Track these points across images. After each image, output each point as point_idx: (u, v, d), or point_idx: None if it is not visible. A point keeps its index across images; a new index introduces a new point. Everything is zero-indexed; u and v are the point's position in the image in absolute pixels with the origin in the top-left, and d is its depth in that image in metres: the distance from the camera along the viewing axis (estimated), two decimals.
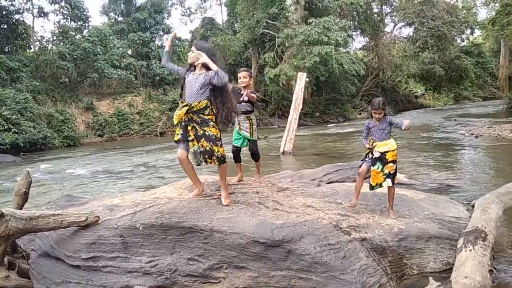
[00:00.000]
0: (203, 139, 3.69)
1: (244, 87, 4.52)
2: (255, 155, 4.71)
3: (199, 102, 3.69)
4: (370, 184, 4.17)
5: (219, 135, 3.76)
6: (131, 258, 3.22)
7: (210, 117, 3.74)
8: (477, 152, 10.66)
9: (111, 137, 22.95)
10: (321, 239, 3.33)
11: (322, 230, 3.46)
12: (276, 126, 25.22)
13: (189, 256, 3.21)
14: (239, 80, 4.55)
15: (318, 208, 4.12)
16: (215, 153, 3.69)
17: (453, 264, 3.43)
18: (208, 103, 3.74)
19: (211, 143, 3.68)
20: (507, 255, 4.01)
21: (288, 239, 3.23)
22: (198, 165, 3.81)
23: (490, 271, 3.18)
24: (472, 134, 13.76)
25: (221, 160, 3.75)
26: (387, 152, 4.07)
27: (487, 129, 14.27)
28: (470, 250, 3.39)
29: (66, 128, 20.86)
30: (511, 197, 4.62)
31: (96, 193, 8.23)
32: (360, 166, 4.20)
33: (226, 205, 3.68)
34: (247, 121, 4.54)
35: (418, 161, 9.52)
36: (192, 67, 3.83)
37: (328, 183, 6.22)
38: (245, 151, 4.88)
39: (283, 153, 12.38)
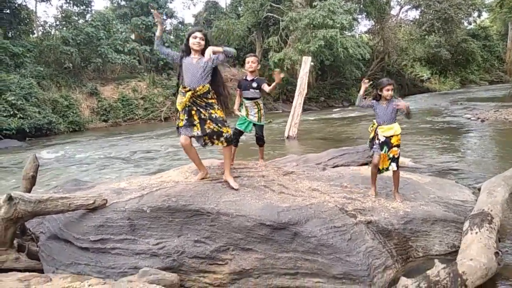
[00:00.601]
0: (209, 121, 3.70)
1: (251, 72, 4.49)
2: (260, 140, 4.70)
3: (203, 86, 3.68)
4: (378, 168, 4.17)
5: (224, 117, 3.78)
6: (139, 240, 3.26)
7: (213, 100, 3.76)
8: (483, 136, 10.60)
9: (115, 122, 22.97)
10: (327, 222, 3.34)
11: (328, 213, 3.48)
12: (281, 111, 25.14)
13: (196, 238, 3.24)
14: (247, 65, 4.51)
15: (323, 191, 4.14)
16: (224, 133, 3.72)
17: (459, 247, 3.45)
18: (210, 87, 3.74)
19: (219, 124, 3.70)
20: None
21: (294, 221, 3.25)
22: (204, 146, 3.83)
23: (496, 253, 3.20)
24: (478, 118, 13.66)
25: (229, 140, 3.79)
26: (392, 136, 4.06)
27: (494, 113, 14.16)
28: (476, 233, 3.40)
29: (71, 113, 20.89)
30: None
31: (102, 177, 8.29)
32: (372, 156, 4.17)
33: (236, 189, 3.68)
34: (255, 107, 4.53)
35: (424, 145, 9.48)
36: (188, 52, 3.78)
37: (334, 167, 6.23)
38: (249, 138, 4.86)
39: (287, 137, 12.38)
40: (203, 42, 3.72)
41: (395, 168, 4.13)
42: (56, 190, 5.33)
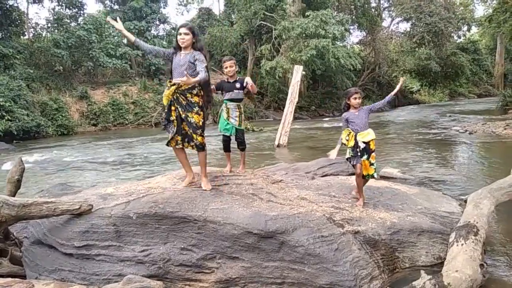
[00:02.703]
0: (184, 122, 3.75)
1: (231, 76, 4.46)
2: (241, 144, 4.62)
3: None
4: (362, 175, 4.19)
5: (200, 123, 3.76)
6: (124, 247, 3.22)
7: (196, 98, 3.75)
8: (471, 148, 10.73)
9: (105, 126, 22.81)
10: (314, 231, 3.34)
11: (316, 222, 3.47)
12: (272, 119, 25.20)
13: (182, 246, 3.21)
14: (225, 70, 4.48)
15: (312, 200, 4.14)
16: (193, 140, 3.73)
17: (445, 258, 3.47)
18: (196, 82, 3.70)
19: (191, 130, 3.72)
20: (498, 249, 4.06)
21: (282, 230, 3.24)
22: (175, 145, 3.85)
23: (481, 265, 3.22)
24: (466, 131, 13.83)
25: (199, 147, 3.81)
26: (370, 141, 4.11)
27: (482, 126, 14.35)
28: (462, 245, 3.42)
29: (60, 116, 20.69)
30: (503, 193, 4.66)
31: (89, 182, 8.20)
32: (354, 165, 4.18)
33: (207, 190, 3.75)
34: (237, 110, 4.46)
35: (412, 156, 9.57)
36: (178, 49, 3.82)
37: (323, 176, 6.24)
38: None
39: (278, 145, 12.39)
40: (188, 37, 3.75)
41: (376, 176, 4.20)
42: (42, 194, 5.26)
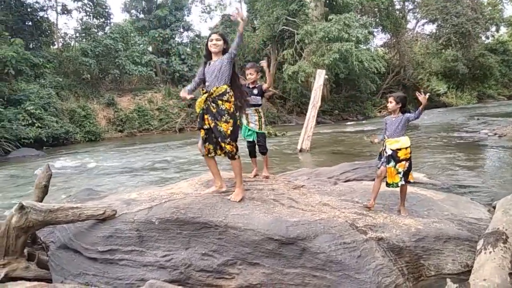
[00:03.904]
0: (214, 132, 3.74)
1: (252, 82, 4.55)
2: (263, 148, 4.67)
3: (217, 88, 3.71)
4: (387, 182, 4.13)
5: (228, 131, 3.69)
6: (147, 252, 3.26)
7: (227, 105, 3.71)
8: (500, 152, 10.37)
9: (131, 132, 23.27)
10: (336, 238, 3.29)
11: (338, 229, 3.43)
12: (294, 124, 25.11)
13: (203, 251, 3.23)
14: (248, 77, 4.57)
15: (334, 206, 4.09)
16: (223, 148, 3.73)
17: (472, 266, 3.36)
18: (228, 88, 3.73)
19: (220, 138, 3.71)
20: None
21: (303, 236, 3.21)
22: (207, 154, 3.85)
23: (510, 274, 3.10)
24: (495, 134, 13.39)
25: (229, 156, 3.77)
26: (399, 149, 4.02)
27: (511, 129, 13.87)
28: (490, 252, 3.30)
29: (88, 123, 21.26)
30: None
31: (115, 187, 8.37)
32: (379, 168, 4.16)
33: (233, 201, 3.67)
34: (256, 114, 4.53)
35: (439, 160, 9.32)
36: (210, 56, 3.84)
37: (346, 181, 6.17)
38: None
39: (300, 150, 12.32)
40: (220, 43, 3.78)
41: (402, 183, 4.09)
42: (70, 199, 5.41)
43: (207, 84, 3.76)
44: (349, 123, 25.26)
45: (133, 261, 3.25)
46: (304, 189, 4.61)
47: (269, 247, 3.18)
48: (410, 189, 5.10)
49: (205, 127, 3.77)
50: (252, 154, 4.69)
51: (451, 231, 3.80)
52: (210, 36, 3.83)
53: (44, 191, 3.97)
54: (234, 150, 3.76)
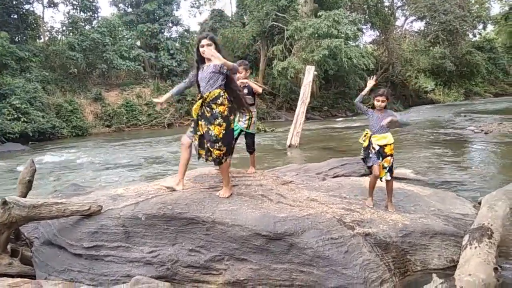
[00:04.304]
0: (206, 137, 3.68)
1: (243, 79, 4.54)
2: (249, 148, 4.69)
3: (210, 93, 3.65)
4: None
5: (220, 135, 3.61)
6: (133, 248, 3.23)
7: (221, 108, 3.63)
8: (486, 148, 10.51)
9: (119, 127, 23.05)
10: (324, 233, 3.30)
11: (325, 224, 3.43)
12: (284, 120, 25.15)
13: (190, 247, 3.21)
14: (236, 76, 4.52)
15: (322, 202, 4.09)
16: (212, 154, 3.64)
17: (458, 262, 3.39)
18: (221, 92, 3.67)
19: (209, 143, 3.63)
20: None
21: (291, 232, 3.21)
22: (198, 158, 3.81)
23: (495, 269, 3.13)
24: (482, 131, 13.57)
25: (217, 161, 3.69)
26: (385, 145, 4.05)
27: (497, 126, 14.05)
28: (475, 248, 3.34)
29: (75, 118, 21.00)
30: None
31: (102, 182, 8.28)
32: (369, 166, 4.15)
33: (221, 197, 3.67)
34: (247, 113, 4.52)
35: (426, 156, 9.42)
36: (202, 61, 3.77)
37: (334, 177, 6.18)
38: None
39: (289, 146, 12.34)
40: (211, 48, 3.69)
41: (389, 178, 4.11)
42: (56, 194, 5.32)
43: (201, 89, 3.70)
44: (338, 119, 25.38)
45: (119, 257, 3.21)
46: (292, 185, 4.61)
47: (256, 243, 3.16)
48: (397, 184, 5.14)
49: (199, 133, 3.72)
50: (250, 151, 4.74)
51: (437, 227, 3.84)
52: (200, 41, 3.70)
53: (28, 186, 3.89)
54: (222, 155, 3.65)
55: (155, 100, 3.96)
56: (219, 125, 3.63)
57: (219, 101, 3.65)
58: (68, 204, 3.30)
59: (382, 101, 4.11)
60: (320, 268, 3.08)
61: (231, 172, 4.33)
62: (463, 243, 3.55)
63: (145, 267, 3.15)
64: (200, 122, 3.70)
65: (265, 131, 17.59)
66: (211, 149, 3.64)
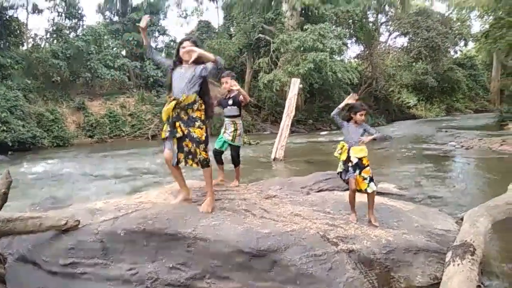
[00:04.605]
0: (187, 139, 3.62)
1: (228, 91, 4.53)
2: (233, 160, 4.67)
3: (187, 96, 3.62)
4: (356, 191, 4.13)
5: (203, 137, 3.64)
6: (111, 265, 3.13)
7: (197, 113, 3.65)
8: (468, 164, 10.68)
9: (101, 138, 22.69)
10: (308, 250, 3.25)
11: (309, 240, 3.39)
12: (269, 132, 25.17)
13: (171, 265, 3.12)
14: (223, 86, 4.55)
15: (306, 217, 4.05)
16: (197, 155, 3.62)
17: (441, 279, 3.38)
18: (197, 97, 3.66)
19: (194, 145, 3.60)
20: (495, 270, 3.96)
21: (274, 248, 3.16)
22: (177, 164, 3.73)
23: (478, 286, 3.13)
24: (462, 146, 13.80)
25: (204, 163, 3.66)
26: (363, 157, 4.06)
27: (478, 142, 14.32)
28: (458, 265, 3.34)
29: (56, 127, 20.59)
30: (500, 211, 4.60)
31: (82, 195, 8.08)
32: (346, 179, 4.14)
33: (205, 212, 3.57)
34: (232, 126, 4.50)
35: (408, 171, 9.50)
36: (178, 62, 3.75)
37: (318, 191, 6.15)
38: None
39: (274, 159, 12.30)
40: None
41: (375, 188, 4.11)
42: (33, 207, 5.17)
43: (174, 90, 3.66)
44: (322, 132, 25.53)
45: (97, 275, 3.10)
46: (276, 199, 4.57)
47: (239, 260, 3.10)
48: (380, 199, 5.15)
49: (178, 135, 3.64)
50: (219, 161, 4.68)
51: (420, 243, 3.83)
52: (182, 42, 3.72)
53: (3, 198, 3.73)
54: (208, 157, 3.68)
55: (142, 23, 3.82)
56: (200, 127, 3.64)
57: (195, 107, 3.64)
58: (44, 219, 3.19)
59: (365, 115, 4.14)
60: (304, 286, 3.03)
61: (218, 186, 4.28)
62: (446, 259, 3.55)
63: (123, 285, 3.05)
64: (177, 124, 3.63)
65: (249, 143, 17.56)
66: (198, 150, 3.60)
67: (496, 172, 9.28)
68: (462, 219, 4.62)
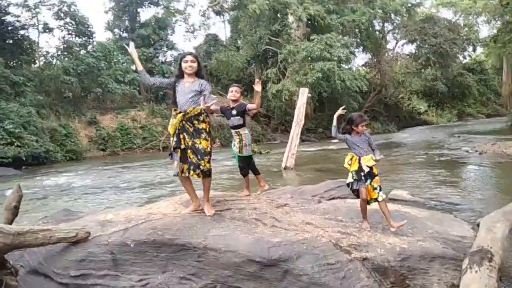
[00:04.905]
0: (189, 150, 3.65)
1: (233, 100, 4.50)
2: (241, 170, 4.64)
3: (193, 108, 3.69)
4: (367, 201, 4.07)
5: (208, 149, 3.69)
6: (122, 277, 3.10)
7: (203, 125, 3.72)
8: (482, 169, 10.50)
9: (113, 151, 22.90)
10: (320, 258, 3.19)
11: (321, 249, 3.33)
12: (279, 142, 25.14)
13: (181, 275, 3.08)
14: (230, 94, 4.54)
15: (317, 225, 3.99)
16: (201, 166, 3.63)
17: (458, 286, 3.29)
18: (203, 109, 3.72)
19: (198, 156, 3.62)
20: None
21: (285, 258, 3.10)
22: (181, 174, 3.75)
23: None
24: (476, 151, 13.59)
25: (206, 173, 3.69)
26: (373, 166, 4.01)
27: (491, 146, 14.10)
28: (476, 272, 3.24)
29: (69, 142, 20.85)
30: None
31: (94, 207, 8.11)
32: (356, 189, 4.07)
33: (210, 215, 3.64)
34: (237, 137, 4.47)
35: (422, 178, 9.36)
36: (181, 76, 3.82)
37: (330, 199, 6.08)
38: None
39: (285, 168, 12.26)
40: (194, 65, 3.78)
41: (384, 196, 4.05)
42: (46, 220, 5.18)
43: (180, 104, 3.73)
44: (333, 140, 25.32)
45: (107, 286, 3.08)
46: (287, 208, 4.51)
47: (250, 270, 3.05)
48: (393, 206, 5.06)
49: (182, 146, 3.69)
50: (243, 174, 4.69)
51: (436, 250, 3.74)
52: (184, 56, 3.80)
53: (14, 212, 3.77)
54: (211, 168, 3.72)
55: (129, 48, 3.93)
56: (206, 139, 3.70)
57: (201, 118, 3.70)
58: (55, 231, 3.19)
59: (367, 125, 4.13)
60: None
61: (223, 196, 4.28)
62: (463, 266, 3.45)
63: None
64: (181, 136, 3.68)
65: (260, 153, 17.54)
66: (203, 162, 3.64)
67: (511, 176, 9.11)
68: (478, 225, 4.51)
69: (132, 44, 3.90)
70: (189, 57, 3.75)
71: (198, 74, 3.81)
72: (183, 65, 3.75)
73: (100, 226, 3.50)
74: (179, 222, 3.42)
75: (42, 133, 19.63)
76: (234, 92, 4.50)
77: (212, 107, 3.90)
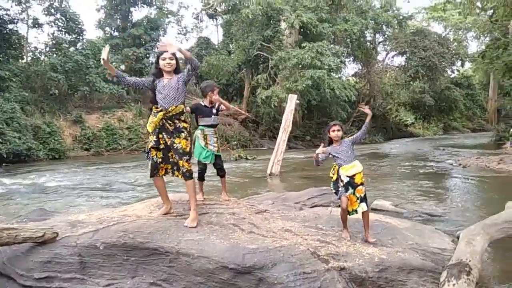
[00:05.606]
0: (171, 150, 3.55)
1: (209, 102, 4.40)
2: (221, 171, 4.50)
3: (176, 106, 3.60)
4: (348, 211, 4.00)
5: (187, 149, 3.59)
6: (89, 280, 2.97)
7: (184, 124, 3.62)
8: (465, 182, 10.56)
9: (98, 151, 22.53)
10: (296, 267, 3.11)
11: (298, 257, 3.25)
12: (266, 148, 25.06)
13: (151, 281, 2.97)
14: (209, 95, 4.42)
15: (297, 233, 3.91)
16: (180, 167, 3.53)
17: None
18: (184, 108, 3.66)
19: (177, 157, 3.52)
20: None
21: (260, 265, 3.01)
22: (164, 175, 3.67)
23: None
24: (460, 164, 13.71)
25: (186, 175, 3.58)
26: (355, 174, 3.93)
27: (475, 160, 14.24)
28: (454, 285, 3.20)
29: (53, 140, 20.46)
30: (497, 229, 4.46)
31: (73, 208, 7.91)
32: (338, 198, 4.03)
33: (190, 227, 3.44)
34: (215, 136, 4.36)
35: (405, 189, 9.37)
36: (160, 74, 3.71)
37: (312, 207, 6.01)
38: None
39: (270, 174, 12.18)
40: (173, 62, 3.66)
41: (365, 209, 3.97)
42: (20, 219, 5.00)
43: (161, 101, 3.61)
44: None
45: None
46: (267, 214, 4.43)
47: (223, 277, 2.95)
48: (375, 216, 5.01)
49: (161, 146, 3.60)
50: (202, 178, 4.49)
51: (415, 262, 3.68)
52: (162, 54, 3.66)
53: None
54: (191, 169, 3.59)
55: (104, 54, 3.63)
56: (185, 138, 3.60)
57: (182, 117, 3.62)
58: (21, 230, 3.05)
59: (338, 130, 4.06)
60: None
61: (207, 200, 4.17)
62: (441, 279, 3.40)
63: None
64: (160, 135, 3.58)
65: (246, 158, 17.44)
66: (181, 162, 3.55)
67: (493, 190, 9.17)
68: (458, 237, 4.48)
69: (107, 48, 3.69)
70: (167, 54, 3.63)
71: (177, 71, 3.71)
72: (161, 62, 3.64)
73: (70, 227, 3.36)
74: (152, 225, 3.31)
75: (26, 130, 19.24)
76: (210, 94, 4.42)
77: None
